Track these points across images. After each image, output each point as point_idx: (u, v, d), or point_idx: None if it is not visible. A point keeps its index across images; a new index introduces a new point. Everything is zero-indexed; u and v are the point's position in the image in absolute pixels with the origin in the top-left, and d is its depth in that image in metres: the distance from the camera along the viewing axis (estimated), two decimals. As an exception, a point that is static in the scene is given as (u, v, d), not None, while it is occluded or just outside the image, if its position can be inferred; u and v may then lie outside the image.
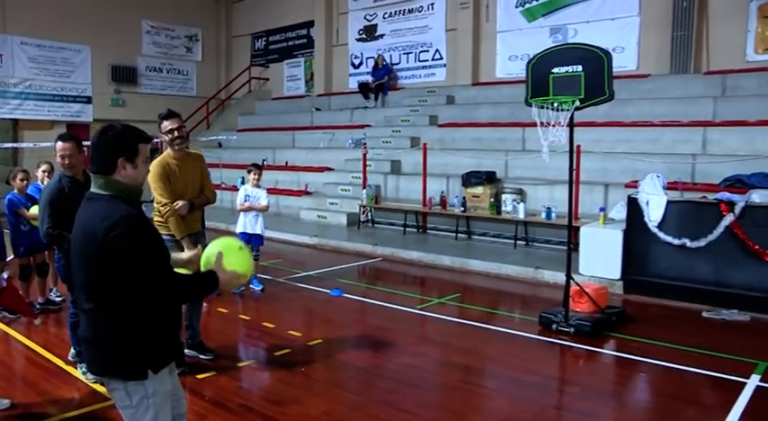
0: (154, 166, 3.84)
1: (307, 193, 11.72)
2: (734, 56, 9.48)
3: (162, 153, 4.12)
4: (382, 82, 13.48)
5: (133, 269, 1.92)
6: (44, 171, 5.48)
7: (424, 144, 10.06)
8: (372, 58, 14.08)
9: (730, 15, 9.50)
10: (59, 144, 3.75)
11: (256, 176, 6.45)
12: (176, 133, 3.92)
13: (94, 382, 3.74)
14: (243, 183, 7.90)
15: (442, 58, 13.31)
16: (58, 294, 5.78)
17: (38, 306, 5.42)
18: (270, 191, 7.43)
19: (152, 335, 2.04)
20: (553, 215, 7.96)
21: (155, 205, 3.99)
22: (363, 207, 10.19)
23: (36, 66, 14.07)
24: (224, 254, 2.17)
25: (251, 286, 6.36)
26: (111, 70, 15.24)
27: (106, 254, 1.91)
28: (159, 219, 3.97)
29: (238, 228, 6.40)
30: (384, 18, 14.25)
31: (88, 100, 14.92)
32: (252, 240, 6.23)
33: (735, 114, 8.58)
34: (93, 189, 2.05)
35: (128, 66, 15.61)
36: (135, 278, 1.93)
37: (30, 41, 13.92)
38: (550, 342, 4.77)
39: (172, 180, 3.95)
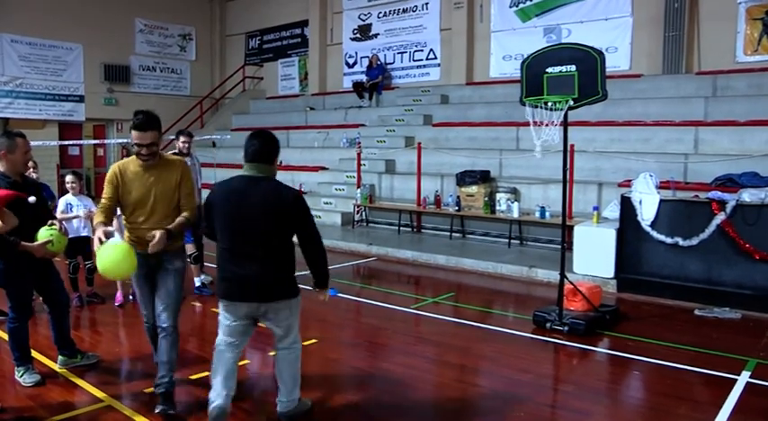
0: (110, 169, 3.51)
1: (301, 193, 11.68)
2: (724, 57, 9.56)
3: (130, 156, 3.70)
4: (376, 81, 13.48)
5: (307, 220, 3.12)
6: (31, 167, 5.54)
7: (419, 143, 10.08)
8: (367, 57, 14.08)
9: (720, 17, 9.58)
10: (22, 140, 3.67)
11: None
12: (144, 150, 3.33)
13: (64, 368, 4.10)
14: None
15: (436, 58, 13.33)
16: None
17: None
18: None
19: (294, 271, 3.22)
20: (547, 214, 8.00)
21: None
22: (358, 206, 10.19)
23: (27, 64, 13.95)
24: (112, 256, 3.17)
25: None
26: (104, 69, 15.14)
27: (294, 211, 3.05)
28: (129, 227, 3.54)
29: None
30: (378, 17, 14.25)
31: (80, 99, 14.81)
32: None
33: (725, 114, 8.66)
34: (258, 173, 3.05)
35: (121, 64, 15.52)
36: (307, 226, 3.12)
37: (20, 39, 13.80)
38: (544, 340, 4.80)
39: (122, 190, 3.42)
